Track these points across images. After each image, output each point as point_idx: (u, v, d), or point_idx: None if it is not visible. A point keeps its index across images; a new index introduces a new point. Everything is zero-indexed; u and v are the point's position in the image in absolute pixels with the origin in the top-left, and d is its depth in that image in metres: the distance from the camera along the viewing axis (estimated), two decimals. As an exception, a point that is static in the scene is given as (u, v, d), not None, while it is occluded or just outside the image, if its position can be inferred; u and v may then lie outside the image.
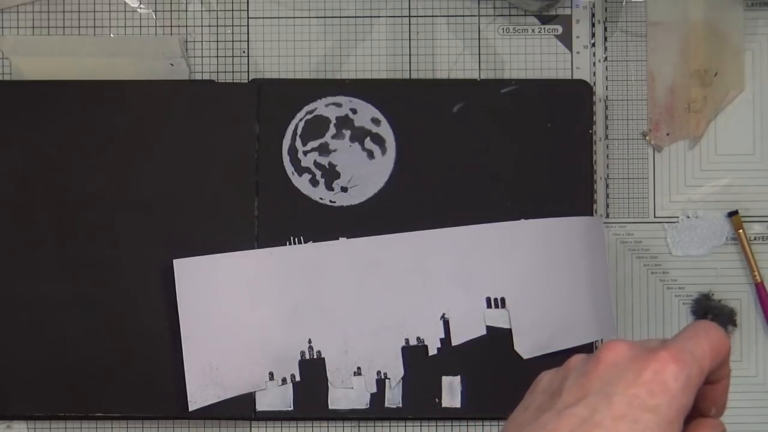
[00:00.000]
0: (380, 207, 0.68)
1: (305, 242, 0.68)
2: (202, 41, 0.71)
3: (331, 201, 0.69)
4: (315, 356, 0.67)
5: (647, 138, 0.70)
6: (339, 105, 0.69)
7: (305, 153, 0.69)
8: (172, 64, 0.70)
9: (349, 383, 0.67)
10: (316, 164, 0.69)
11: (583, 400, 0.41)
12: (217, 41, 0.71)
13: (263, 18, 0.71)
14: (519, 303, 0.67)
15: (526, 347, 0.67)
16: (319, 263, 0.67)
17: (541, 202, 0.68)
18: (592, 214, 0.68)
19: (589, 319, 0.67)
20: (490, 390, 0.67)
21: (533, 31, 0.71)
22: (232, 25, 0.71)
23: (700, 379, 0.42)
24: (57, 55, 0.70)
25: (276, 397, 0.67)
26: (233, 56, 0.71)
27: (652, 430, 0.40)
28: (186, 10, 0.71)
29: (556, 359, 0.66)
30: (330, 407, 0.67)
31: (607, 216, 0.70)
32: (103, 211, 0.68)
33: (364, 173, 0.69)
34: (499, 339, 0.67)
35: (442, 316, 0.67)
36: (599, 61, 0.71)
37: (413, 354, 0.67)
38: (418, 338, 0.67)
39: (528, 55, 0.71)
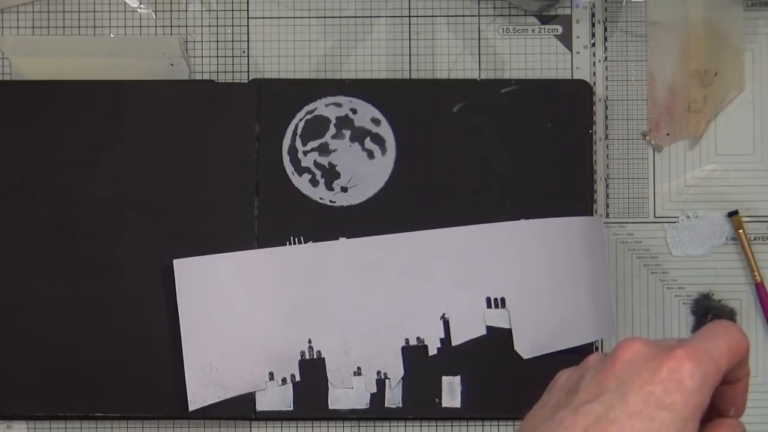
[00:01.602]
0: (380, 207, 0.68)
1: (305, 242, 0.68)
2: (202, 41, 0.71)
3: (331, 201, 0.69)
4: (315, 356, 0.67)
5: (647, 138, 0.70)
6: (339, 105, 0.69)
7: (305, 153, 0.69)
8: (172, 64, 0.70)
9: (349, 383, 0.67)
10: (316, 164, 0.69)
11: (599, 398, 0.41)
12: (217, 41, 0.71)
13: (263, 18, 0.71)
14: (519, 303, 0.67)
15: (526, 347, 0.67)
16: (319, 263, 0.67)
17: (541, 202, 0.68)
18: (592, 214, 0.68)
19: (589, 319, 0.67)
20: (490, 390, 0.67)
21: (533, 31, 0.71)
22: (232, 25, 0.71)
23: (716, 377, 0.42)
24: (57, 55, 0.70)
25: (276, 397, 0.67)
26: (233, 56, 0.71)
27: (667, 428, 0.40)
28: (186, 10, 0.71)
29: (556, 359, 0.66)
30: (330, 407, 0.67)
31: (607, 216, 0.70)
32: (103, 211, 0.68)
33: (364, 173, 0.69)
34: (499, 339, 0.67)
35: (442, 316, 0.67)
36: (599, 61, 0.71)
37: (413, 354, 0.67)
38: (418, 338, 0.67)
39: (528, 55, 0.71)
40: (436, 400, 0.67)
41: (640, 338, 0.43)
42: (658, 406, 0.40)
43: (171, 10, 0.71)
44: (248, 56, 0.71)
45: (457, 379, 0.67)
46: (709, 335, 0.43)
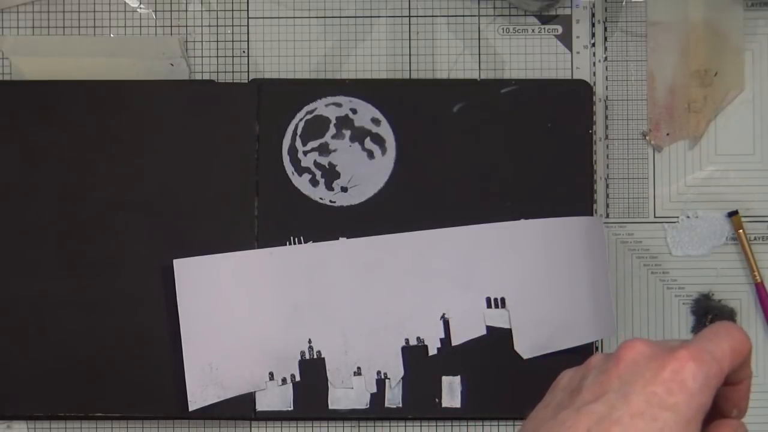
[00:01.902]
0: (380, 207, 0.68)
1: (305, 242, 0.68)
2: (202, 41, 0.71)
3: (331, 201, 0.69)
4: (315, 356, 0.67)
5: (647, 138, 0.70)
6: (339, 105, 0.69)
7: (305, 153, 0.69)
8: (172, 64, 0.70)
9: (349, 383, 0.67)
10: (316, 164, 0.69)
11: (601, 398, 0.41)
12: (217, 41, 0.71)
13: (263, 18, 0.71)
14: (519, 303, 0.67)
15: (526, 347, 0.67)
16: (319, 263, 0.67)
17: (541, 202, 0.68)
18: (592, 214, 0.68)
19: (589, 319, 0.67)
20: (490, 390, 0.67)
21: (533, 31, 0.71)
22: (232, 25, 0.71)
23: (719, 378, 0.42)
24: (57, 55, 0.70)
25: (276, 397, 0.67)
26: (233, 56, 0.71)
27: (670, 428, 0.40)
28: (186, 10, 0.71)
29: (556, 359, 0.66)
30: (330, 407, 0.67)
31: (607, 216, 0.70)
32: (103, 211, 0.68)
33: (364, 173, 0.69)
34: (499, 339, 0.67)
35: (442, 316, 0.67)
36: (599, 61, 0.71)
37: (413, 354, 0.67)
38: (418, 338, 0.67)
39: (528, 55, 0.71)
40: (436, 400, 0.67)
41: (643, 339, 0.43)
42: (661, 407, 0.40)
43: (171, 10, 0.71)
44: (248, 56, 0.71)
45: (457, 379, 0.67)
46: (712, 336, 0.43)
